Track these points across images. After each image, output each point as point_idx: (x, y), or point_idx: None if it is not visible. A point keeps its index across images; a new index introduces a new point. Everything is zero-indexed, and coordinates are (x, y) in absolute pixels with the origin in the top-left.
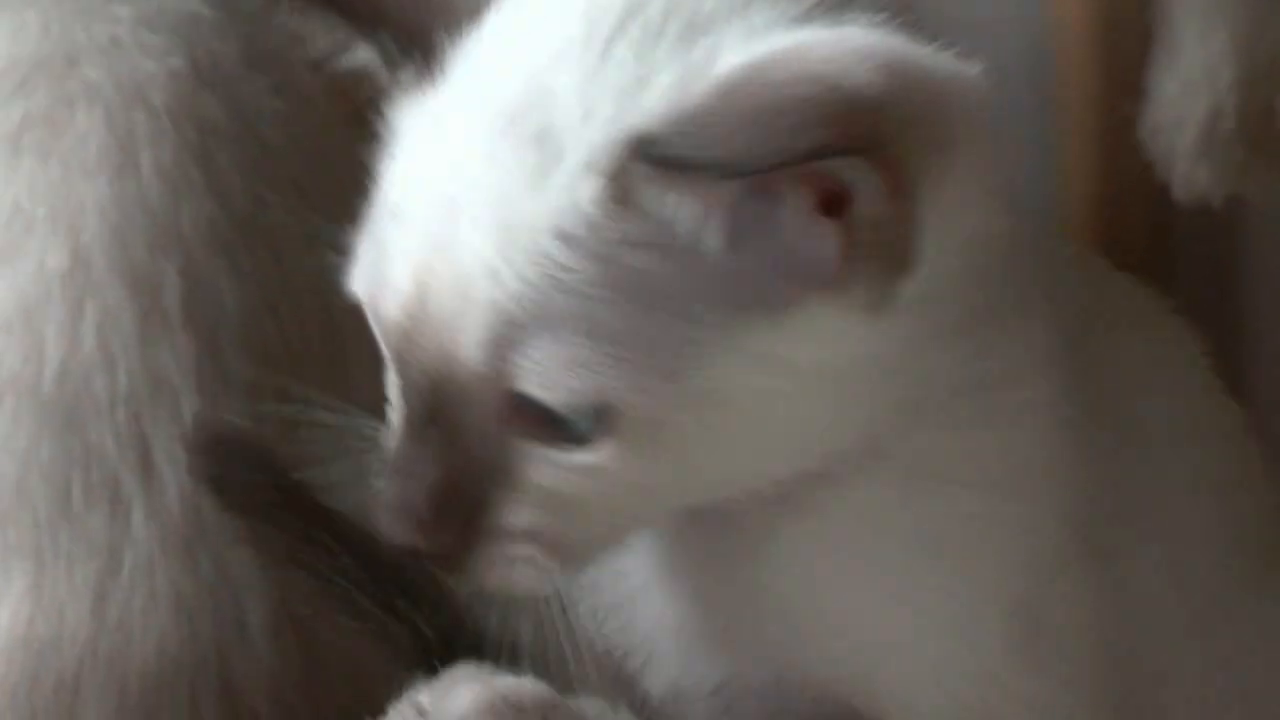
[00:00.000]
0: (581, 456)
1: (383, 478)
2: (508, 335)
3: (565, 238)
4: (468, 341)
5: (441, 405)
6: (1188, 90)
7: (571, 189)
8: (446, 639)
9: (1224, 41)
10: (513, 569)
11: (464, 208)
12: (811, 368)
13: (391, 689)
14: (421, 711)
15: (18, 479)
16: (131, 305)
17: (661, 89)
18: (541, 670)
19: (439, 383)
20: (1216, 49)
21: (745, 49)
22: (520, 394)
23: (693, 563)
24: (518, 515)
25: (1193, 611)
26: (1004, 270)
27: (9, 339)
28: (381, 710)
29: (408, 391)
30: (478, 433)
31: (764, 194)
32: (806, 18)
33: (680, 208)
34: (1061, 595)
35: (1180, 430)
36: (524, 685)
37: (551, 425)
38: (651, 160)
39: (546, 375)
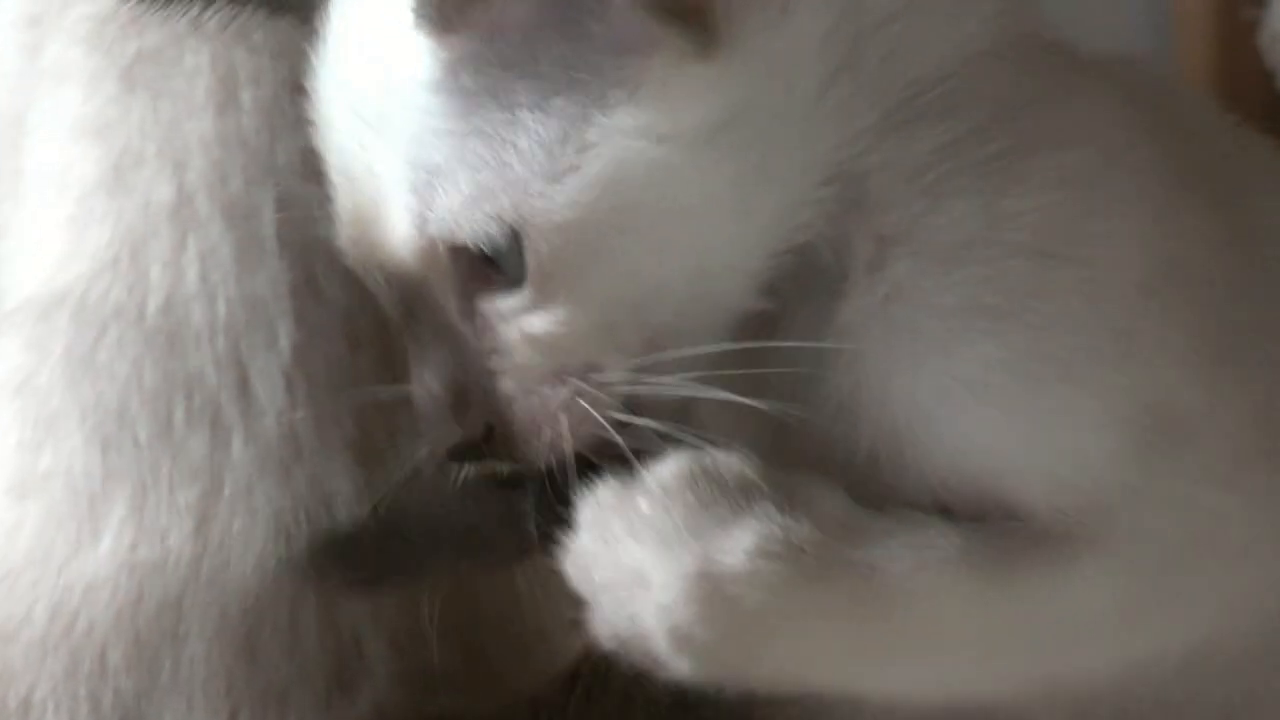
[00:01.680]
0: (523, 293)
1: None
2: (416, 202)
3: (422, 85)
4: (395, 221)
5: (412, 296)
6: None
7: (402, 47)
8: None
9: None
10: (562, 420)
11: (348, 119)
12: (690, 130)
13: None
14: (636, 473)
15: (120, 405)
16: (230, 237)
17: None
18: None
19: (399, 275)
20: None
21: None
22: (448, 244)
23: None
24: (514, 377)
25: None
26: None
27: (115, 273)
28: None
29: (388, 302)
30: (450, 310)
31: None
32: None
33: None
34: (1186, 407)
35: None
36: (730, 460)
37: (493, 272)
38: None
39: (453, 218)
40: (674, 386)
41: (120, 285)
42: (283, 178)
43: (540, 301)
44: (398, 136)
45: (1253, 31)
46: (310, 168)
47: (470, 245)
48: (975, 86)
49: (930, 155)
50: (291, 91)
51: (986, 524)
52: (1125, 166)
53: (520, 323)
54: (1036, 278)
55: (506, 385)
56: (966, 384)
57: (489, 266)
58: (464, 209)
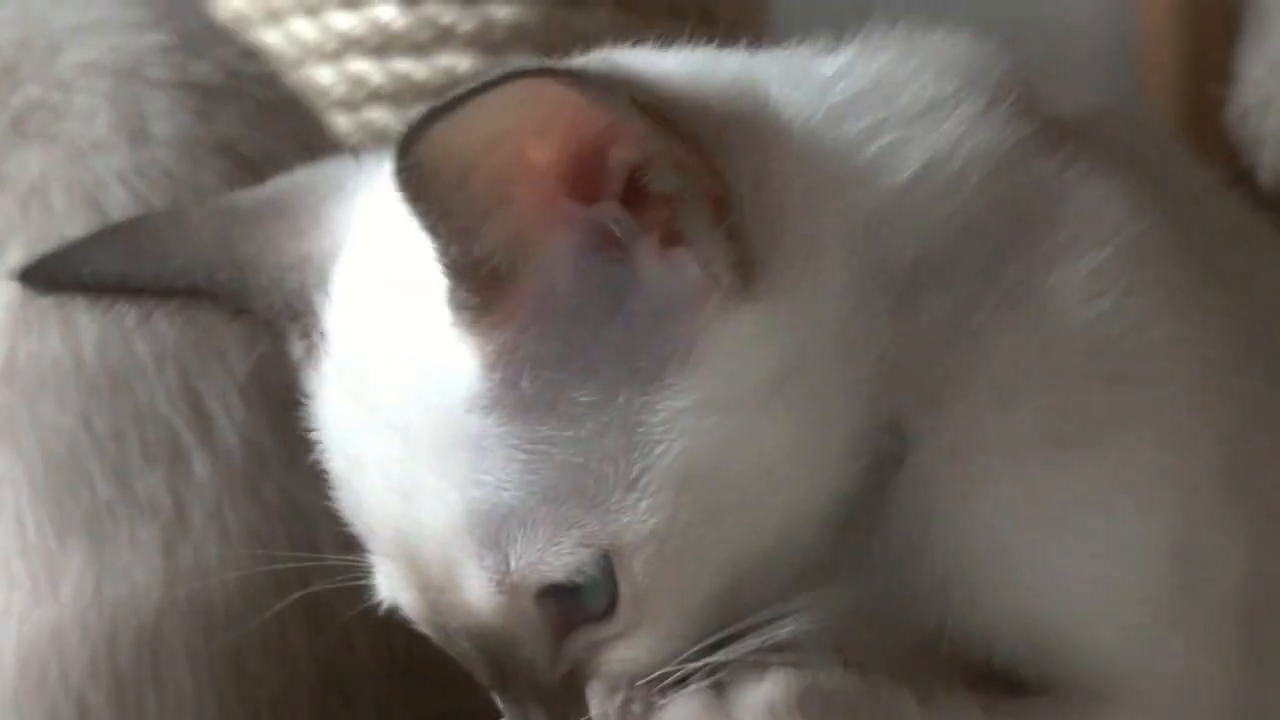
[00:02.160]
0: (613, 623)
1: None
2: (491, 555)
3: (472, 405)
4: (468, 580)
5: (501, 653)
6: (1275, 72)
7: (444, 361)
8: None
9: None
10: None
11: (390, 470)
12: (750, 389)
13: None
14: (721, 692)
15: (69, 456)
16: None
17: None
18: None
19: (484, 635)
20: None
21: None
22: (535, 590)
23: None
24: (610, 704)
25: None
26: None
27: (44, 327)
28: None
29: (473, 665)
30: (540, 660)
31: (603, 258)
32: None
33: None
34: (1215, 546)
35: None
36: (831, 677)
37: (583, 605)
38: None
39: (539, 559)
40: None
41: (53, 337)
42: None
43: (634, 620)
44: (453, 478)
45: (1219, 108)
46: (235, 189)
47: (564, 582)
48: (974, 234)
49: (952, 308)
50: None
51: (1035, 701)
52: (1148, 261)
53: (614, 651)
54: (1112, 403)
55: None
56: (1045, 521)
57: (576, 601)
58: (549, 547)
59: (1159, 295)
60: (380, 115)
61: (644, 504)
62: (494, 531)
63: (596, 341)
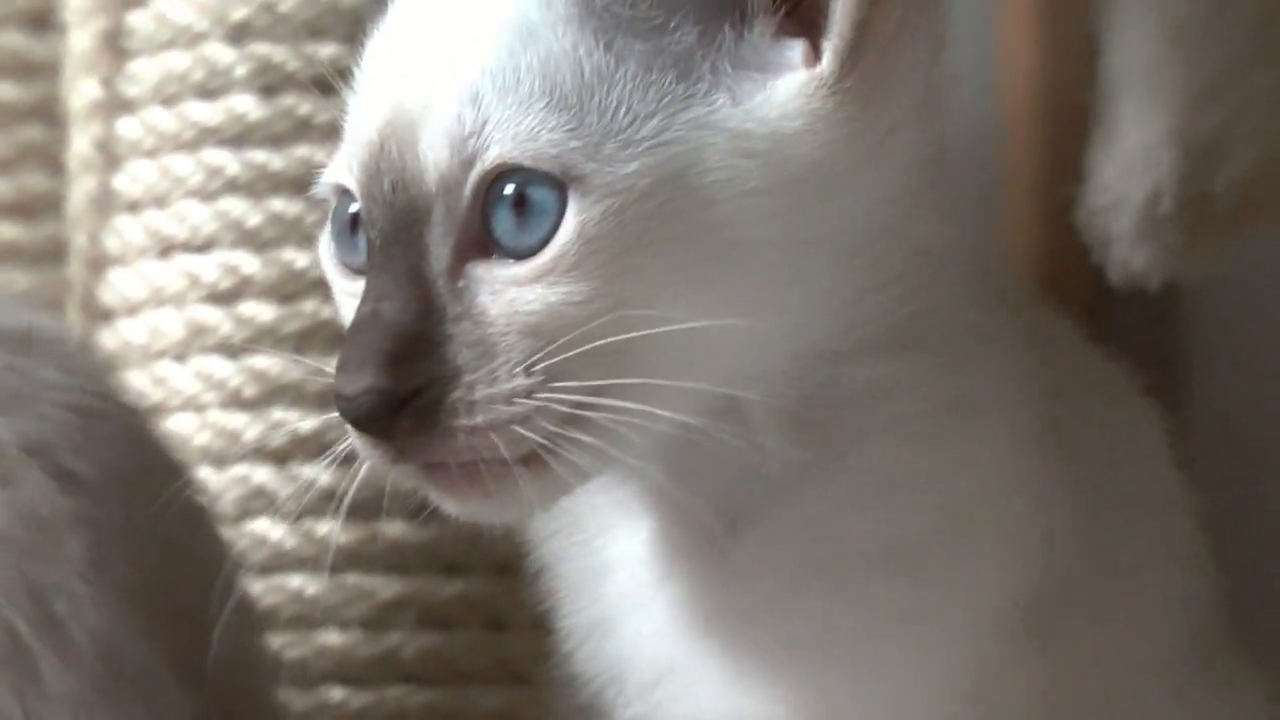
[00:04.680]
0: (535, 261)
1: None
2: (474, 113)
3: None
4: (440, 124)
5: (404, 227)
6: (1126, 172)
7: None
8: None
9: (1163, 123)
10: (501, 412)
11: (432, 24)
12: (780, 163)
13: None
14: None
15: None
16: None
17: None
18: None
19: (405, 192)
20: (1156, 131)
21: None
22: (488, 166)
23: (662, 593)
24: (474, 350)
25: (1137, 697)
26: (973, 283)
27: None
28: None
29: (376, 217)
30: (438, 259)
31: None
32: None
33: None
34: (1013, 682)
35: (1141, 505)
36: None
37: (512, 236)
38: None
39: (511, 138)
40: (622, 418)
41: None
42: None
43: (555, 273)
44: (489, 43)
45: (1073, 207)
46: None
47: (521, 165)
48: (936, 334)
49: (882, 385)
50: None
51: None
52: (1019, 428)
53: (511, 295)
54: (952, 539)
55: (463, 356)
56: (848, 634)
57: (510, 226)
58: (527, 135)
59: (1019, 453)
60: (236, 206)
61: (634, 165)
62: (489, 97)
63: (675, 28)
